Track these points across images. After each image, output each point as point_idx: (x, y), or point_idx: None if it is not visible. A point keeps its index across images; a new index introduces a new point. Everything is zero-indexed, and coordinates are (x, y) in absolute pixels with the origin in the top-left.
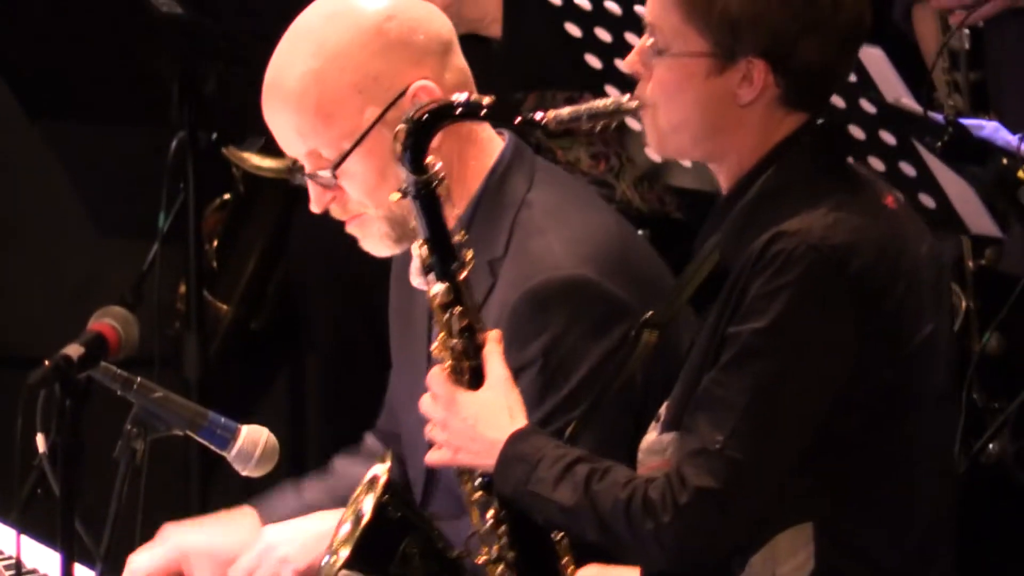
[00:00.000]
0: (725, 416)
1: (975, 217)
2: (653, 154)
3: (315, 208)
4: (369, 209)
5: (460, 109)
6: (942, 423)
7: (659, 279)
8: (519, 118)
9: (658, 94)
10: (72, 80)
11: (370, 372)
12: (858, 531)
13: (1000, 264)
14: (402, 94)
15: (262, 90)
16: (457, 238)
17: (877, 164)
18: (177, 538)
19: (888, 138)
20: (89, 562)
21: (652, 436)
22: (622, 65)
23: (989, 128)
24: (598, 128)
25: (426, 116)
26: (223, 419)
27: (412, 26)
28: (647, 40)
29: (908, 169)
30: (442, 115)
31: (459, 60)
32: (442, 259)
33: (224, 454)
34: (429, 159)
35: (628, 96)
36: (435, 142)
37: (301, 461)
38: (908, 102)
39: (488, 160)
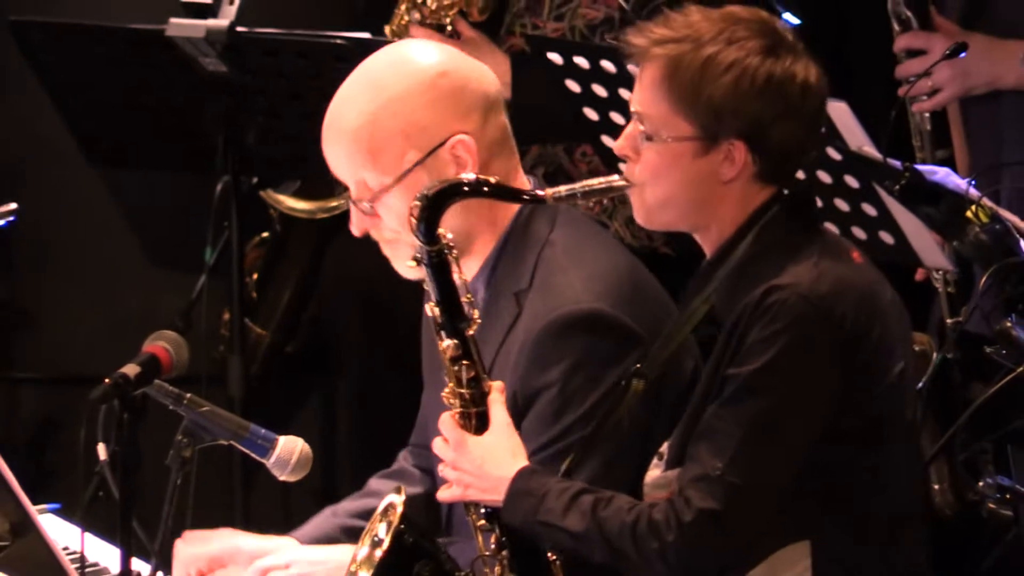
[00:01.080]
0: (724, 445)
1: (928, 252)
2: None
3: (354, 230)
4: (402, 236)
5: (467, 187)
6: (914, 450)
7: (664, 309)
8: (524, 195)
9: (647, 175)
10: (129, 130)
11: (393, 392)
12: (851, 548)
13: (967, 324)
14: (442, 144)
15: (324, 120)
16: (464, 299)
17: (842, 205)
18: (228, 536)
19: (852, 182)
20: (145, 556)
21: (656, 472)
22: (611, 145)
23: (941, 173)
24: (591, 203)
25: (437, 193)
26: (263, 430)
27: (462, 83)
28: (635, 127)
29: (870, 209)
30: (452, 193)
31: (501, 117)
32: (451, 319)
33: (264, 461)
34: (440, 230)
35: (618, 177)
36: (481, 167)
37: (331, 470)
38: (869, 150)
39: (515, 204)
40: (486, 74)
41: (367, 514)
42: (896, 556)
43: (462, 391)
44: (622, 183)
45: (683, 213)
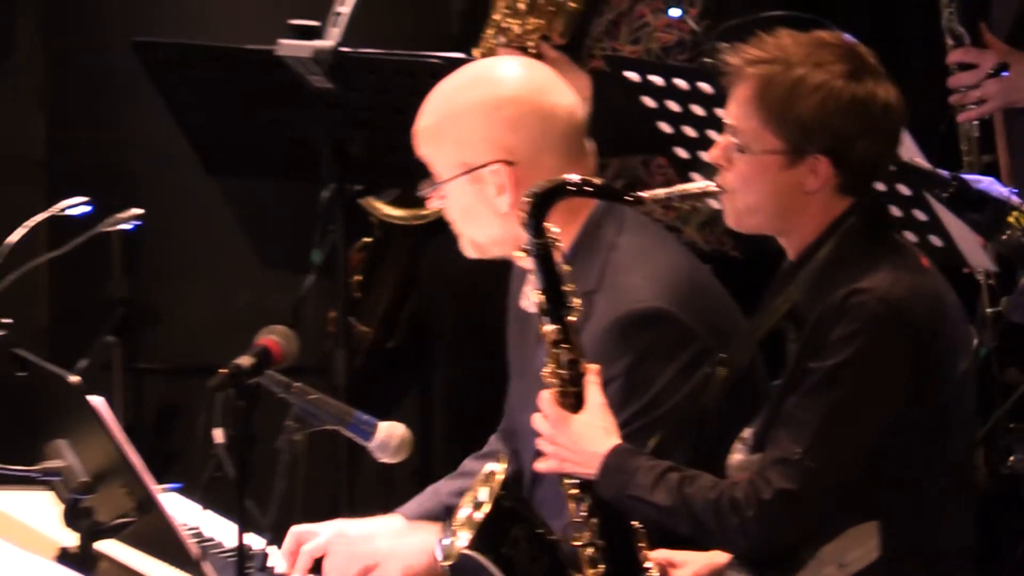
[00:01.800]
0: (804, 432)
1: (973, 253)
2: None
3: (428, 204)
4: (457, 224)
5: (572, 187)
6: (970, 440)
7: (722, 308)
8: (625, 196)
9: (738, 183)
10: (243, 142)
11: (484, 382)
12: (915, 529)
13: (1011, 315)
14: (485, 165)
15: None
16: (567, 288)
17: (895, 211)
18: (338, 525)
19: (904, 190)
20: (258, 532)
21: (740, 456)
22: (705, 156)
23: (986, 182)
24: (690, 206)
25: (546, 191)
26: (365, 416)
27: (530, 115)
28: (728, 138)
29: (920, 215)
30: (559, 191)
31: (563, 159)
32: (554, 306)
33: (366, 445)
34: (547, 224)
35: (712, 183)
36: (504, 209)
37: (428, 454)
38: (920, 161)
39: (586, 209)
40: (564, 111)
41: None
42: (952, 535)
43: (561, 372)
44: (715, 189)
45: (769, 219)
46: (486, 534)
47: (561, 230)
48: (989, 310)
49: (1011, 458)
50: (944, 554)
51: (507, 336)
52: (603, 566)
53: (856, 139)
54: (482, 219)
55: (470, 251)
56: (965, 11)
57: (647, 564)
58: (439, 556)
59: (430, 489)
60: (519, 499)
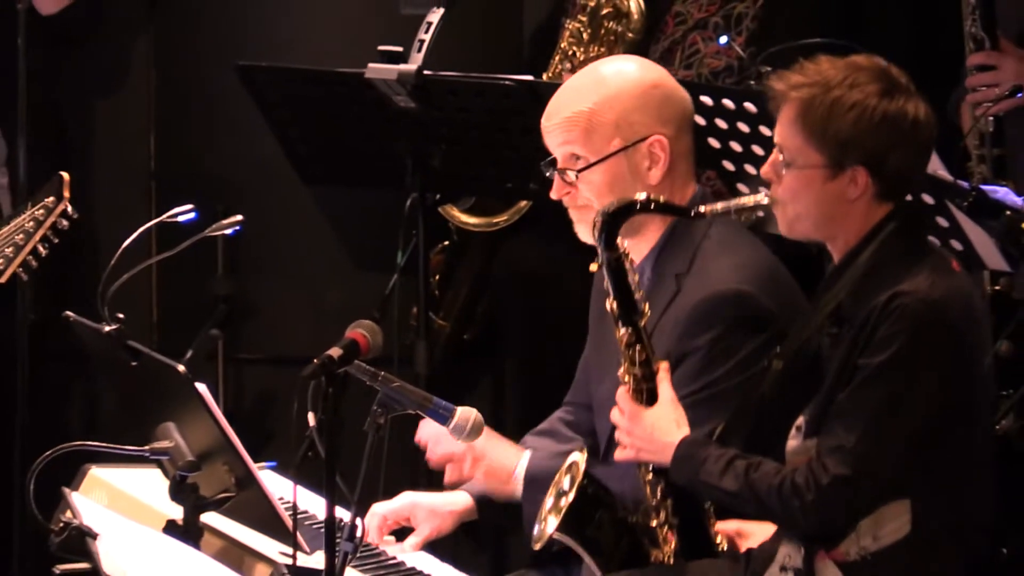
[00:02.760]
0: (856, 423)
1: (991, 256)
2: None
3: (553, 195)
4: (593, 204)
5: (640, 206)
6: (992, 426)
7: (795, 295)
8: (685, 211)
9: (787, 195)
10: (334, 155)
11: (549, 372)
12: (943, 505)
13: (1013, 292)
14: (643, 139)
15: (550, 103)
16: (638, 296)
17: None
18: (411, 496)
19: (928, 199)
20: (346, 505)
21: (795, 442)
22: (760, 171)
23: (1001, 192)
24: (743, 218)
25: (616, 210)
26: (443, 402)
27: (669, 97)
28: (777, 156)
29: (943, 222)
30: (628, 210)
31: (690, 137)
32: (627, 312)
33: (444, 427)
34: (618, 239)
35: (764, 196)
36: (654, 180)
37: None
38: (943, 173)
39: (684, 200)
40: (687, 97)
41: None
42: (976, 511)
43: (635, 371)
44: (767, 201)
45: (816, 226)
46: (572, 519)
47: (658, 220)
48: (989, 288)
49: (1002, 421)
50: (967, 529)
51: (590, 310)
52: (677, 542)
53: (890, 151)
54: (630, 193)
55: (590, 236)
56: (985, 20)
57: (717, 539)
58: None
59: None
60: (601, 486)
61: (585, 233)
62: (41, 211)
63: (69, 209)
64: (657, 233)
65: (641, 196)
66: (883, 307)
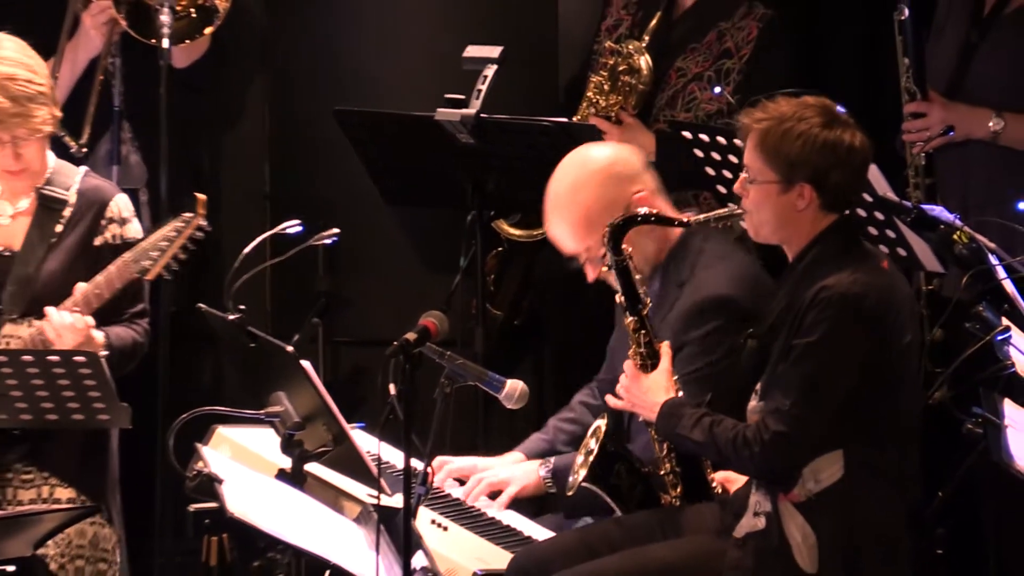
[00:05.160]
0: (790, 391)
1: (929, 261)
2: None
3: (591, 277)
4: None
5: (640, 218)
6: (917, 389)
7: (771, 294)
8: (676, 221)
9: (751, 206)
10: (410, 180)
11: (582, 351)
12: (871, 456)
13: (943, 290)
14: (628, 202)
15: (545, 209)
16: (641, 291)
17: (873, 230)
18: (468, 459)
19: (879, 215)
20: (419, 458)
21: (753, 403)
22: (723, 191)
23: (937, 210)
24: (721, 225)
25: (622, 222)
26: (497, 375)
27: (624, 164)
28: (744, 173)
29: (891, 233)
30: (631, 221)
31: (652, 173)
32: (632, 304)
33: (496, 396)
34: (624, 246)
35: (737, 207)
36: (648, 227)
37: (540, 403)
38: (890, 195)
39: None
40: (633, 151)
41: (556, 438)
42: (902, 460)
43: (640, 350)
44: (739, 211)
45: (773, 230)
46: (596, 471)
47: (662, 243)
48: (924, 288)
49: (936, 393)
50: (895, 475)
51: (615, 304)
52: (681, 487)
53: (830, 170)
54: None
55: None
56: (917, 76)
57: (713, 484)
58: (545, 478)
59: (535, 436)
60: (619, 444)
61: (614, 282)
62: (181, 224)
63: (204, 223)
64: (663, 254)
65: (642, 210)
66: (812, 298)
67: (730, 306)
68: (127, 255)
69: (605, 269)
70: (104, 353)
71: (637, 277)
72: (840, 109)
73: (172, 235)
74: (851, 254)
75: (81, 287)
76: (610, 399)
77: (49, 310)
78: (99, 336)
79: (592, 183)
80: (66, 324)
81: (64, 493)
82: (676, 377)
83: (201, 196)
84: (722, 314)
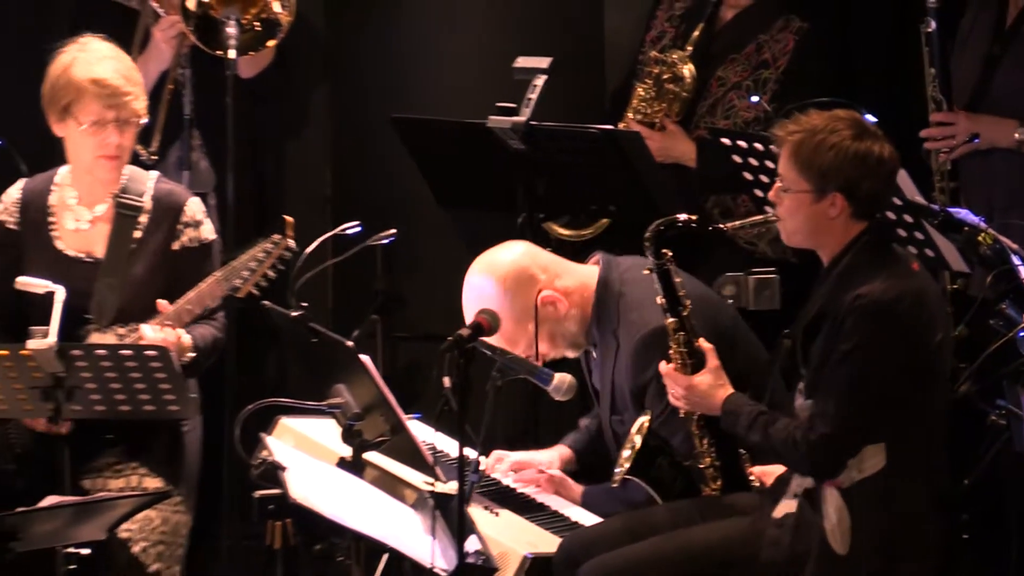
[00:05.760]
0: (833, 393)
1: (955, 261)
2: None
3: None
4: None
5: (681, 224)
6: (946, 387)
7: (716, 312)
8: (711, 227)
9: (785, 214)
10: (463, 184)
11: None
12: (909, 447)
13: (968, 290)
14: (535, 306)
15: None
16: (681, 293)
17: (902, 232)
18: (523, 453)
19: (908, 218)
20: (472, 447)
21: (799, 401)
22: (761, 195)
23: (963, 213)
24: (756, 232)
25: (662, 227)
26: (546, 369)
27: (522, 269)
28: (778, 182)
29: (919, 235)
30: (673, 225)
31: (539, 255)
32: (673, 305)
33: (546, 388)
34: (664, 250)
35: (772, 214)
36: (563, 293)
37: (585, 397)
38: (919, 199)
39: (592, 282)
40: (513, 249)
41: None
42: (933, 452)
43: (681, 349)
44: (774, 218)
45: (807, 237)
46: (640, 464)
47: (581, 301)
48: (950, 287)
49: (962, 387)
50: (927, 465)
51: None
52: (720, 480)
53: (861, 180)
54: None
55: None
56: (943, 85)
57: (751, 477)
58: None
59: (579, 431)
60: (661, 439)
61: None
62: (270, 245)
63: (292, 244)
64: (587, 310)
65: (682, 216)
66: (849, 305)
67: (666, 337)
68: (219, 273)
69: (647, 272)
70: (191, 355)
71: (678, 280)
72: (869, 119)
73: (262, 256)
74: (883, 259)
75: (164, 303)
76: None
77: (144, 329)
78: (187, 340)
79: (499, 294)
80: (158, 340)
81: (151, 483)
82: (654, 415)
83: (289, 219)
84: (665, 344)
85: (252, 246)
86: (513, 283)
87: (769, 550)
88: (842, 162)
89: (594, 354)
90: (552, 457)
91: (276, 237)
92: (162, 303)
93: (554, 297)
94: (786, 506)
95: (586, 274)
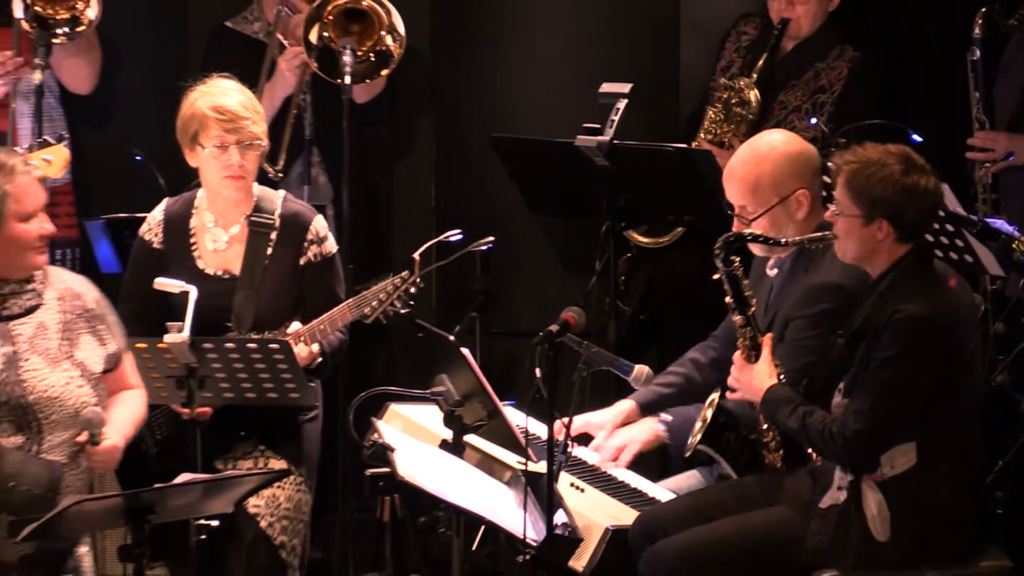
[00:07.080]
0: (869, 393)
1: (992, 266)
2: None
3: (734, 229)
4: (761, 234)
5: (749, 236)
6: (979, 384)
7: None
8: (773, 241)
9: (840, 233)
10: (554, 194)
11: (699, 341)
12: (940, 446)
13: (1005, 291)
14: (792, 193)
15: (729, 167)
16: (747, 294)
17: (944, 239)
18: (581, 417)
19: (950, 228)
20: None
21: (837, 399)
22: (826, 215)
23: (999, 223)
24: (815, 247)
25: (733, 238)
26: (627, 361)
27: (807, 156)
28: (834, 206)
29: (959, 242)
30: (741, 239)
31: (819, 184)
32: (740, 306)
33: (627, 379)
34: (733, 258)
35: (830, 233)
36: (809, 208)
37: None
38: (960, 210)
39: (810, 228)
40: (815, 155)
41: (663, 391)
42: (966, 448)
43: (746, 343)
44: (832, 236)
45: (856, 256)
46: (710, 436)
47: (811, 225)
48: (989, 287)
49: (998, 377)
50: (960, 461)
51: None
52: (782, 451)
53: (906, 209)
54: (784, 229)
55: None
56: (986, 106)
57: (809, 450)
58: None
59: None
60: (729, 414)
61: (760, 249)
62: (399, 280)
63: (419, 280)
64: (803, 234)
65: (747, 230)
66: (888, 318)
67: (840, 292)
68: (351, 301)
69: (716, 277)
70: (319, 360)
71: (746, 283)
72: (916, 139)
73: (391, 289)
74: (923, 279)
75: (296, 325)
76: (730, 394)
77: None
78: (315, 349)
79: (773, 159)
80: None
81: (275, 464)
82: (786, 341)
83: (417, 257)
84: (832, 299)
85: (383, 279)
86: (794, 164)
87: (814, 538)
88: (890, 193)
89: (770, 271)
90: (604, 419)
91: (405, 273)
92: (296, 326)
93: (805, 202)
94: (831, 497)
95: (818, 219)
